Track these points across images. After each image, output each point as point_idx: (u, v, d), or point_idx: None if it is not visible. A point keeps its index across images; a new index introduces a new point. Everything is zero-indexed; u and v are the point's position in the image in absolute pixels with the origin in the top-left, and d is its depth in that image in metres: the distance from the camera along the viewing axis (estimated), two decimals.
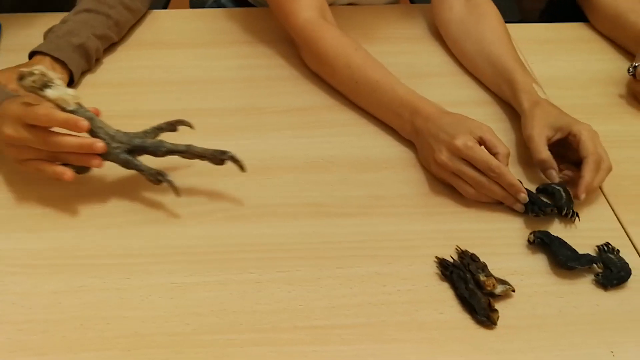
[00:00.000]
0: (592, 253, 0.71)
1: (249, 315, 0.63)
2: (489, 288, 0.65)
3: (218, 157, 0.73)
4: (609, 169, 0.76)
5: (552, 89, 0.93)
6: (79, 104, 0.70)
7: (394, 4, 1.11)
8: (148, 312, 0.63)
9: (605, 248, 0.71)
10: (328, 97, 0.91)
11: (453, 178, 0.75)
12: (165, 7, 1.26)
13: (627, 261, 0.69)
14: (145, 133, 0.73)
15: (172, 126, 0.74)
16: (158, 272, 0.66)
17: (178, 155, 0.73)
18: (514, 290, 0.66)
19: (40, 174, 0.70)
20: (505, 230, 0.73)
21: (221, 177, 0.76)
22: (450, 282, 0.67)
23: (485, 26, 0.94)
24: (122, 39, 0.97)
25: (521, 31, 1.05)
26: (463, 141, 0.74)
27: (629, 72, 0.93)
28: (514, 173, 0.75)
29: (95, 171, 0.76)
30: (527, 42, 1.02)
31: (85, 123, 0.68)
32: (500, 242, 0.71)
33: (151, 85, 0.81)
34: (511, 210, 0.75)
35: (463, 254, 0.69)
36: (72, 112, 0.69)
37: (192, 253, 0.69)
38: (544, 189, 0.77)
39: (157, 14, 1.04)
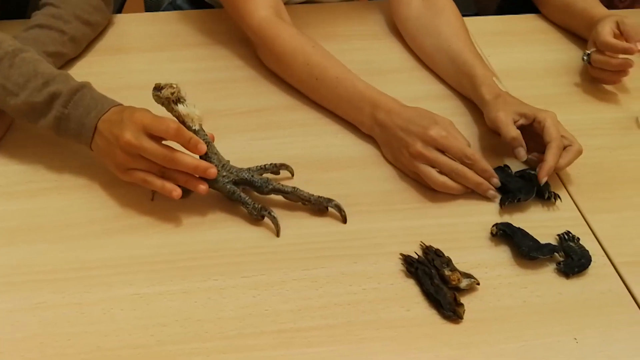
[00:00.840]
0: (554, 242, 0.71)
1: (213, 322, 0.62)
2: (454, 282, 0.66)
3: (323, 204, 0.73)
4: (579, 152, 0.78)
5: (509, 81, 0.94)
6: (201, 126, 0.71)
7: (351, 2, 1.11)
8: (110, 326, 0.61)
9: (566, 237, 0.72)
10: (287, 97, 0.90)
11: (424, 169, 0.75)
12: (120, 10, 1.24)
13: (587, 248, 0.70)
14: (250, 169, 0.74)
15: (276, 168, 0.76)
16: (119, 284, 0.65)
17: (282, 196, 0.73)
18: (478, 284, 0.66)
19: (144, 185, 0.70)
20: (468, 224, 0.73)
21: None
22: (415, 278, 0.67)
23: (443, 21, 0.94)
24: None
25: (477, 24, 1.05)
26: (437, 131, 0.75)
27: (583, 60, 0.94)
28: None
29: (50, 184, 0.74)
30: (483, 35, 1.03)
31: (204, 146, 0.69)
32: (463, 236, 0.72)
33: (107, 91, 0.79)
34: (473, 204, 0.75)
35: (427, 250, 0.69)
36: (194, 132, 0.70)
37: (153, 262, 0.67)
38: (520, 176, 0.78)
39: (113, 18, 1.02)
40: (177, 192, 0.69)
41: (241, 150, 0.81)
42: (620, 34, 0.91)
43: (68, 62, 0.92)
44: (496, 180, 0.76)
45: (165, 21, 1.04)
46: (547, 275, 0.68)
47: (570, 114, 0.89)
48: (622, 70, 0.91)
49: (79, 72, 0.91)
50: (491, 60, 0.98)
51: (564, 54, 1.01)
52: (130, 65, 0.94)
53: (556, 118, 0.78)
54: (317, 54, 0.86)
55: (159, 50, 0.97)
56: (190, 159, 0.69)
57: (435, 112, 0.78)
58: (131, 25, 1.03)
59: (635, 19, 0.93)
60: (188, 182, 0.70)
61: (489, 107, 0.82)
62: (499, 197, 0.76)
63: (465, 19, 0.97)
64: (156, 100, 0.70)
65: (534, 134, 0.79)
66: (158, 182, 0.70)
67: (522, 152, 0.77)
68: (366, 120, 0.82)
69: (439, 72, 0.95)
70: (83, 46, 0.95)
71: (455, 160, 0.75)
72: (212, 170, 0.70)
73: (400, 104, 0.80)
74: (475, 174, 0.75)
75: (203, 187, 0.70)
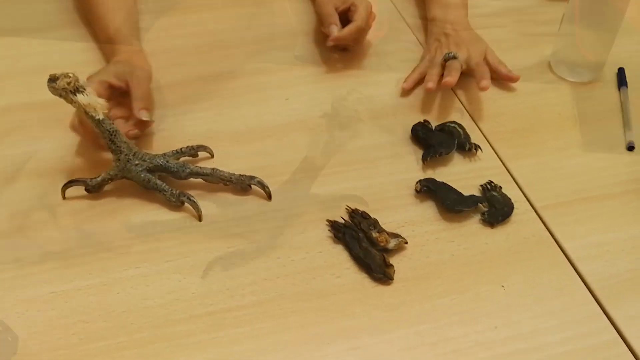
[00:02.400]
0: (477, 193, 0.72)
1: (139, 312, 0.60)
2: (382, 244, 0.65)
3: (245, 182, 0.70)
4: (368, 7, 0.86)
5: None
6: (105, 115, 0.67)
7: None
8: (28, 330, 0.58)
9: (489, 186, 0.72)
10: (198, 69, 0.86)
11: None
12: None
13: (509, 196, 0.71)
14: (165, 155, 0.70)
15: (193, 151, 0.73)
16: (33, 284, 0.61)
17: (201, 178, 0.70)
18: (406, 242, 0.66)
19: None
20: (392, 183, 0.73)
21: None
22: (343, 243, 0.66)
23: None
24: None
25: None
26: None
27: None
28: None
29: None
30: None
31: None
32: (388, 196, 0.71)
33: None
34: (396, 162, 0.75)
35: (353, 213, 0.69)
36: (98, 121, 0.66)
37: (69, 257, 0.64)
38: (440, 130, 0.78)
39: None
40: None
41: (155, 131, 0.77)
42: None
43: None
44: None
45: None
46: (472, 226, 0.69)
47: None
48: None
49: None
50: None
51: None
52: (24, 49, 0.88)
53: (370, 5, 0.86)
54: None
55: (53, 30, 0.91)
56: None
57: None
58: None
59: None
60: None
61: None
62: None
63: None
64: (52, 93, 0.65)
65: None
66: None
67: (334, 29, 0.84)
68: None
69: None
70: None
71: None
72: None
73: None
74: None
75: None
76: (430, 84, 0.80)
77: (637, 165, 0.76)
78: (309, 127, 0.79)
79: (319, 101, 0.82)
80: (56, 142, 0.75)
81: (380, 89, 0.85)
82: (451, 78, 0.79)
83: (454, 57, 0.83)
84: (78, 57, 0.86)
